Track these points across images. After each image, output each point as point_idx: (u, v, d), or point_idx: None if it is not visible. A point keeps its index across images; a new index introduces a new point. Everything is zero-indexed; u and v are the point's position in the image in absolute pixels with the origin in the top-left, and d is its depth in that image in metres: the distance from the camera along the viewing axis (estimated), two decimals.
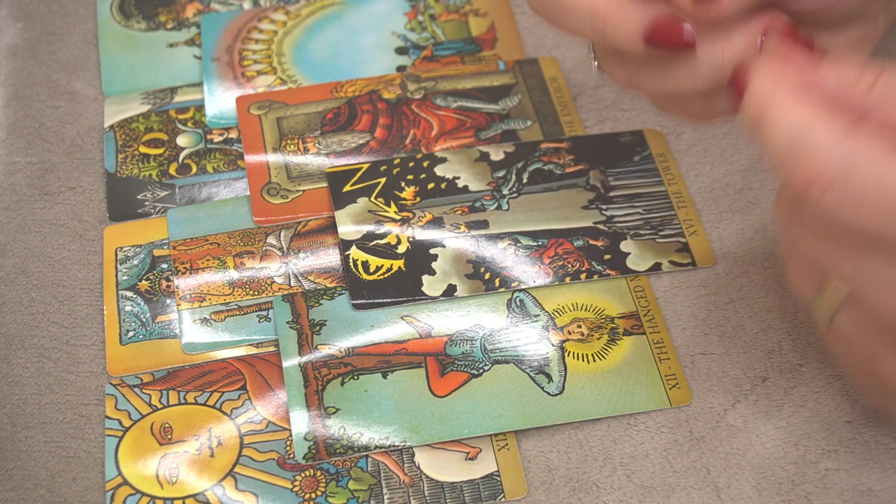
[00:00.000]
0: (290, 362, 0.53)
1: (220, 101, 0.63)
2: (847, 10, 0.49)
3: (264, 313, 0.55)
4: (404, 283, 0.55)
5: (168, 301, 0.56)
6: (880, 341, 0.43)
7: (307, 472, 0.50)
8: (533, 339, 0.54)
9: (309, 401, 0.52)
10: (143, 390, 0.53)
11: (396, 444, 0.50)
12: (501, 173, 0.59)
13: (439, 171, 0.59)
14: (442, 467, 0.50)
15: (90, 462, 0.51)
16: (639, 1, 0.45)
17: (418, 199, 0.58)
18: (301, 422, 0.51)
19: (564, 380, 0.53)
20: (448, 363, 0.53)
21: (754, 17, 0.46)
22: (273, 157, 0.60)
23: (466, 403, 0.52)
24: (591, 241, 0.57)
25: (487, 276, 0.55)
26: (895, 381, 0.44)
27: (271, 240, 0.57)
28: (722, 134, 0.61)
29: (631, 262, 0.56)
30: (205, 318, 0.55)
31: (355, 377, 0.52)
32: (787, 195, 0.43)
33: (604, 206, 0.58)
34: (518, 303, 0.55)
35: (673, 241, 0.57)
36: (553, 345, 0.54)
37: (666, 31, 0.45)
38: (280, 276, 0.56)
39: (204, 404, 0.52)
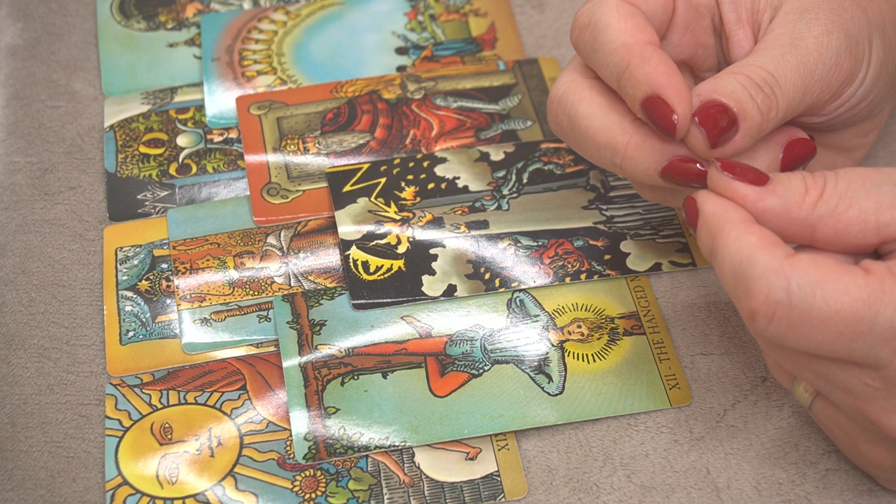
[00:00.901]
0: (290, 362, 0.53)
1: (220, 101, 0.63)
2: (859, 115, 0.50)
3: (264, 313, 0.55)
4: (404, 283, 0.55)
5: (168, 301, 0.56)
6: (855, 428, 0.45)
7: (307, 472, 0.50)
8: (533, 339, 0.54)
9: (309, 401, 0.52)
10: (143, 390, 0.53)
11: (396, 444, 0.50)
12: (501, 173, 0.59)
13: (439, 171, 0.59)
14: (442, 467, 0.50)
15: (90, 462, 0.51)
16: (656, 138, 0.47)
17: (418, 199, 0.58)
18: (301, 422, 0.51)
19: (564, 380, 0.52)
20: (448, 363, 0.53)
21: (773, 136, 0.48)
22: (273, 157, 0.60)
23: (466, 403, 0.52)
24: (591, 242, 0.57)
25: (487, 276, 0.55)
26: (877, 462, 0.46)
27: (271, 240, 0.57)
28: None
29: (631, 263, 0.56)
30: (205, 318, 0.55)
31: (355, 377, 0.52)
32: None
33: (604, 207, 0.58)
34: (518, 303, 0.55)
35: (673, 241, 0.57)
36: (553, 345, 0.54)
37: (681, 170, 0.47)
38: (280, 276, 0.56)
39: (204, 404, 0.52)
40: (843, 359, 0.42)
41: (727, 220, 0.43)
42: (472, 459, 0.51)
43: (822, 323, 0.41)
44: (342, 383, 0.52)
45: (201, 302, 0.55)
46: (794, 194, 0.44)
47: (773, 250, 0.42)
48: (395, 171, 0.59)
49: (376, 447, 0.50)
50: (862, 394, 0.43)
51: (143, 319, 0.55)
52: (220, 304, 0.55)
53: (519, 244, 0.56)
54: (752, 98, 0.46)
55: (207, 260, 0.57)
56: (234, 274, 0.56)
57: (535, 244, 0.56)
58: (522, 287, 0.55)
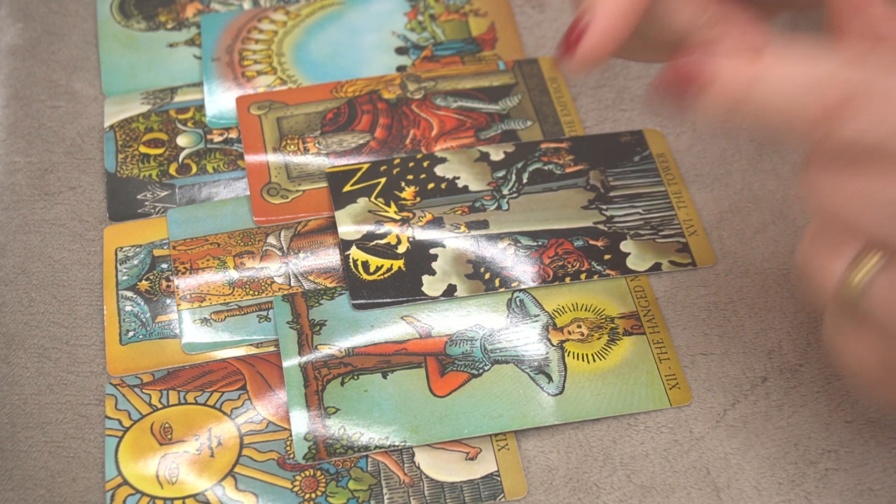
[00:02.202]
0: (290, 362, 0.53)
1: (220, 101, 0.63)
2: None
3: (264, 313, 0.55)
4: (404, 283, 0.55)
5: (168, 301, 0.56)
6: None
7: (307, 472, 0.50)
8: (533, 339, 0.54)
9: (309, 401, 0.52)
10: (143, 390, 0.53)
11: (396, 444, 0.50)
12: (501, 173, 0.59)
13: (439, 171, 0.59)
14: (442, 467, 0.50)
15: (90, 462, 0.51)
16: None
17: (418, 199, 0.58)
18: (301, 422, 0.51)
19: (564, 380, 0.53)
20: (448, 363, 0.53)
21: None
22: (273, 157, 0.60)
23: (466, 403, 0.52)
24: (591, 241, 0.57)
25: (487, 276, 0.55)
26: None
27: (271, 240, 0.57)
28: (722, 134, 0.61)
29: (631, 262, 0.56)
30: (205, 318, 0.55)
31: (355, 377, 0.52)
32: (810, 154, 0.42)
33: (604, 206, 0.58)
34: (518, 303, 0.55)
35: (673, 241, 0.57)
36: (553, 345, 0.54)
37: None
38: (280, 276, 0.56)
39: (204, 404, 0.52)
40: None
41: (756, 59, 0.41)
42: (472, 459, 0.51)
43: None
44: (342, 383, 0.52)
45: (201, 302, 0.55)
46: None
47: (829, 55, 0.40)
48: (395, 171, 0.59)
49: (376, 447, 0.50)
50: None
51: (143, 319, 0.55)
52: (220, 304, 0.55)
53: (519, 244, 0.56)
54: None
55: (207, 260, 0.57)
56: (234, 274, 0.56)
57: (535, 244, 0.56)
58: (522, 287, 0.55)
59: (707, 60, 0.43)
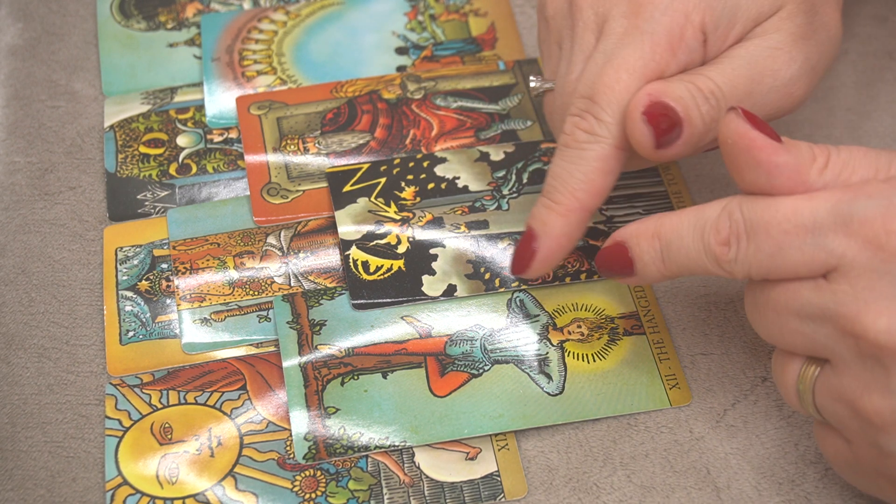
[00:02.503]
0: (290, 362, 0.53)
1: (220, 101, 0.63)
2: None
3: (264, 313, 0.55)
4: (404, 283, 0.55)
5: (168, 301, 0.56)
6: (861, 387, 0.43)
7: (307, 472, 0.50)
8: (533, 339, 0.54)
9: (309, 401, 0.52)
10: (143, 390, 0.53)
11: (396, 444, 0.50)
12: (501, 173, 0.59)
13: (439, 171, 0.59)
14: (442, 467, 0.50)
15: (90, 462, 0.51)
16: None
17: (418, 199, 0.58)
18: (301, 422, 0.51)
19: (564, 380, 0.52)
20: (448, 363, 0.53)
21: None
22: (273, 157, 0.60)
23: (466, 403, 0.52)
24: (591, 241, 0.57)
25: (487, 276, 0.55)
26: None
27: (271, 240, 0.57)
28: None
29: None
30: (205, 318, 0.55)
31: (355, 377, 0.52)
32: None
33: (604, 206, 0.58)
34: (518, 303, 0.55)
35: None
36: (553, 345, 0.54)
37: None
38: (280, 276, 0.56)
39: (204, 404, 0.52)
40: (803, 268, 0.43)
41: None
42: (472, 459, 0.51)
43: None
44: (342, 383, 0.52)
45: (201, 302, 0.55)
46: (804, 157, 0.44)
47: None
48: (395, 171, 0.59)
49: (376, 447, 0.50)
50: (839, 355, 0.43)
51: (143, 319, 0.55)
52: (220, 304, 0.55)
53: None
54: (698, 107, 0.47)
55: (207, 260, 0.57)
56: (234, 274, 0.56)
57: None
58: (522, 287, 0.55)
59: (621, 247, 0.48)
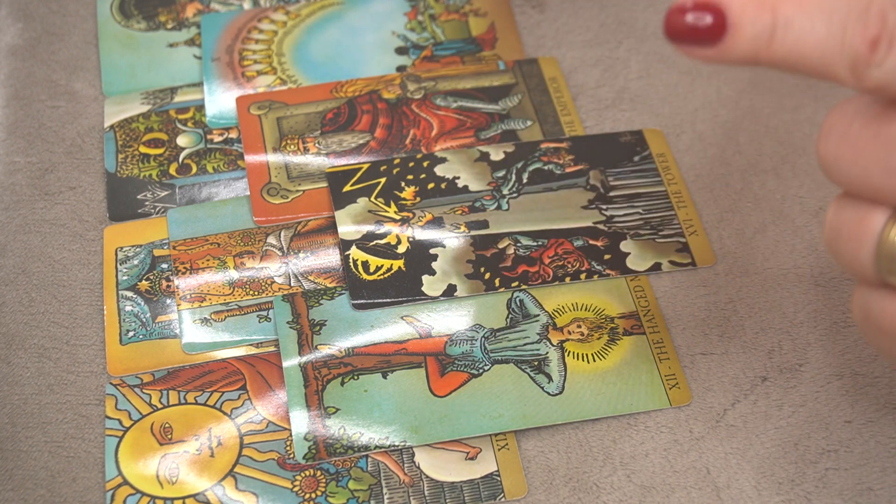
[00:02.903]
0: (290, 362, 0.53)
1: (220, 101, 0.63)
2: None
3: (264, 313, 0.55)
4: (404, 283, 0.55)
5: (168, 301, 0.56)
6: None
7: (307, 472, 0.50)
8: (533, 339, 0.54)
9: (309, 401, 0.52)
10: (143, 390, 0.53)
11: (396, 444, 0.50)
12: (501, 173, 0.59)
13: (439, 171, 0.59)
14: (442, 467, 0.50)
15: (90, 462, 0.51)
16: None
17: (418, 199, 0.58)
18: (301, 422, 0.51)
19: (564, 380, 0.53)
20: (448, 363, 0.53)
21: None
22: (273, 157, 0.60)
23: (466, 403, 0.52)
24: (591, 241, 0.57)
25: (487, 276, 0.55)
26: None
27: (271, 240, 0.57)
28: (722, 134, 0.61)
29: (631, 262, 0.56)
30: (205, 318, 0.55)
31: (355, 377, 0.52)
32: (829, 121, 0.41)
33: (604, 206, 0.58)
34: (518, 303, 0.55)
35: (673, 241, 0.57)
36: (553, 345, 0.54)
37: None
38: (280, 276, 0.56)
39: (204, 404, 0.52)
40: None
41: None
42: (472, 459, 0.51)
43: None
44: (342, 383, 0.52)
45: (201, 302, 0.55)
46: None
47: None
48: (395, 171, 0.59)
49: (376, 447, 0.50)
50: None
51: (144, 319, 0.55)
52: (220, 304, 0.55)
53: (519, 244, 0.56)
54: None
55: (207, 260, 0.57)
56: (234, 274, 0.56)
57: (535, 244, 0.56)
58: (522, 287, 0.55)
59: (724, 3, 0.40)
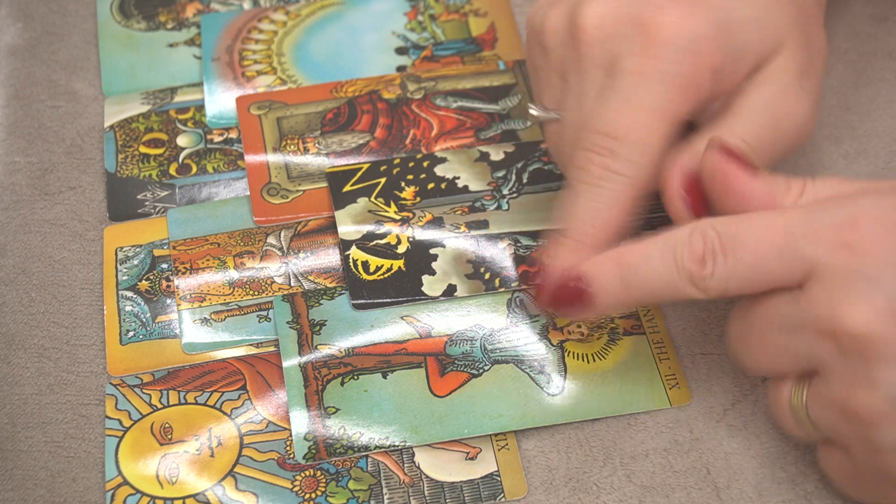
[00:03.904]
0: (290, 362, 0.53)
1: (220, 101, 0.63)
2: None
3: (264, 313, 0.55)
4: (404, 283, 0.55)
5: (168, 301, 0.56)
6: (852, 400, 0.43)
7: (307, 472, 0.50)
8: (533, 339, 0.54)
9: (309, 401, 0.52)
10: (144, 390, 0.53)
11: (396, 444, 0.50)
12: (501, 173, 0.59)
13: (439, 171, 0.59)
14: (442, 467, 0.50)
15: (90, 462, 0.51)
16: None
17: (418, 199, 0.58)
18: (301, 422, 0.51)
19: (564, 380, 0.52)
20: (448, 363, 0.53)
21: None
22: (273, 157, 0.60)
23: (466, 403, 0.52)
24: None
25: (487, 276, 0.55)
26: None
27: (271, 240, 0.57)
28: None
29: None
30: (205, 318, 0.55)
31: (355, 377, 0.52)
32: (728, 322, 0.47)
33: None
34: (518, 303, 0.55)
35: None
36: (553, 345, 0.54)
37: None
38: (280, 276, 0.56)
39: (204, 404, 0.52)
40: (780, 278, 0.44)
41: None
42: (472, 459, 0.51)
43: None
44: (342, 383, 0.52)
45: (201, 302, 0.55)
46: (778, 186, 0.46)
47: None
48: (395, 171, 0.59)
49: (376, 447, 0.50)
50: (824, 360, 0.43)
51: (143, 319, 0.55)
52: (220, 304, 0.55)
53: (519, 244, 0.56)
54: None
55: (207, 260, 0.57)
56: (234, 274, 0.56)
57: (535, 244, 0.56)
58: (522, 287, 0.55)
59: (585, 274, 0.47)
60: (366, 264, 0.56)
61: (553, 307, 0.48)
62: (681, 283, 0.45)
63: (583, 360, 0.53)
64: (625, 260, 0.46)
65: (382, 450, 0.50)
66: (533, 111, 0.53)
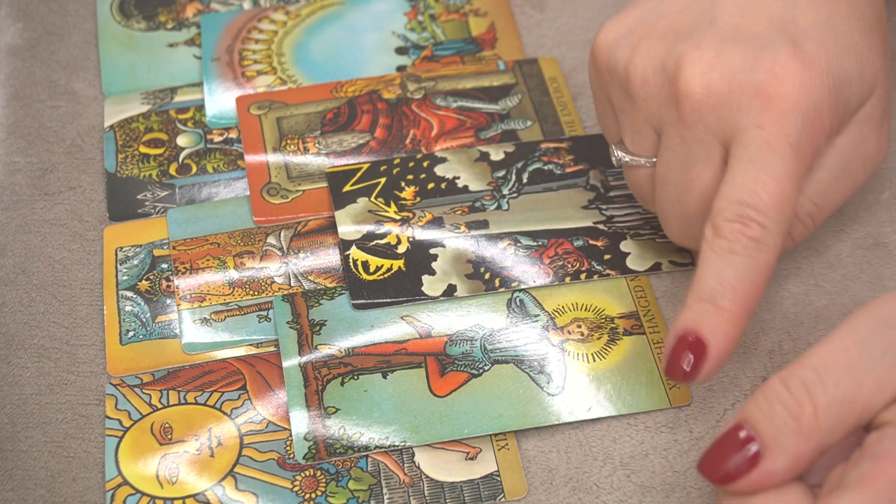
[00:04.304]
0: (290, 362, 0.53)
1: (220, 101, 0.63)
2: None
3: (264, 313, 0.55)
4: (404, 283, 0.55)
5: (168, 301, 0.56)
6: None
7: (307, 472, 0.50)
8: (533, 339, 0.54)
9: (309, 401, 0.52)
10: (143, 390, 0.53)
11: (396, 443, 0.50)
12: (501, 173, 0.59)
13: (439, 171, 0.59)
14: (442, 467, 0.50)
15: (90, 462, 0.51)
16: None
17: (418, 199, 0.58)
18: (301, 422, 0.51)
19: (564, 380, 0.52)
20: (448, 363, 0.53)
21: None
22: (273, 157, 0.60)
23: (466, 403, 0.52)
24: (591, 241, 0.57)
25: (487, 276, 0.55)
26: None
27: (271, 240, 0.57)
28: None
29: (631, 262, 0.56)
30: (205, 318, 0.55)
31: (355, 377, 0.52)
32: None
33: (604, 206, 0.58)
34: (518, 303, 0.55)
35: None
36: (553, 345, 0.54)
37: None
38: (280, 276, 0.56)
39: (204, 404, 0.52)
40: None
41: None
42: (472, 459, 0.51)
43: None
44: (342, 383, 0.52)
45: (201, 302, 0.55)
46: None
47: None
48: (395, 171, 0.59)
49: (376, 447, 0.50)
50: None
51: (143, 319, 0.55)
52: (220, 304, 0.55)
53: (519, 244, 0.56)
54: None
55: (207, 260, 0.57)
56: (234, 274, 0.56)
57: (535, 244, 0.56)
58: (522, 287, 0.55)
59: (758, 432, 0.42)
60: (366, 264, 0.56)
61: (724, 477, 0.42)
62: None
63: (583, 360, 0.53)
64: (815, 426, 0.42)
65: (382, 450, 0.50)
66: (620, 155, 0.52)
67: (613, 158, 0.53)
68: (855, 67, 0.48)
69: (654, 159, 0.51)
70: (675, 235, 0.52)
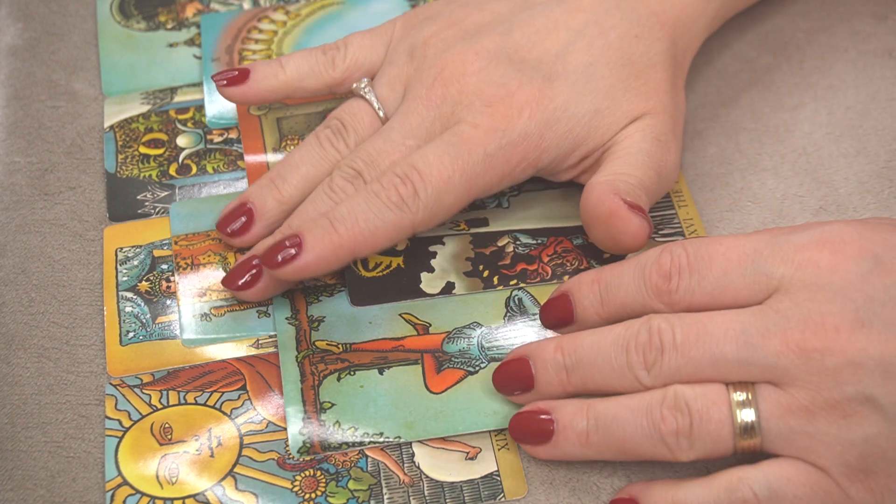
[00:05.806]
0: (288, 357, 0.53)
1: (220, 101, 0.63)
2: None
3: (264, 309, 0.55)
4: (403, 280, 0.55)
5: (168, 302, 0.56)
6: None
7: (307, 472, 0.50)
8: (531, 338, 0.53)
9: (305, 396, 0.52)
10: (143, 390, 0.53)
11: (391, 439, 0.50)
12: None
13: None
14: (442, 467, 0.50)
15: (90, 462, 0.51)
16: None
17: None
18: (296, 416, 0.51)
19: None
20: (445, 360, 0.53)
21: None
22: (273, 158, 0.60)
23: (462, 400, 0.52)
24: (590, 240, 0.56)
25: (486, 273, 0.55)
26: None
27: None
28: (722, 133, 0.61)
29: None
30: (205, 312, 0.55)
31: (352, 373, 0.52)
32: None
33: None
34: (516, 301, 0.55)
35: (672, 241, 0.57)
36: None
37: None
38: None
39: (204, 404, 0.52)
40: (745, 296, 0.47)
41: None
42: (472, 459, 0.50)
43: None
44: (338, 379, 0.52)
45: (201, 297, 0.55)
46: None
47: None
48: None
49: (371, 442, 0.50)
50: None
51: (143, 320, 0.55)
52: (221, 299, 0.55)
53: (518, 242, 0.56)
54: (643, 198, 0.54)
55: (209, 255, 0.57)
56: None
57: (535, 242, 0.56)
58: (521, 285, 0.55)
59: (564, 296, 0.51)
60: (365, 261, 0.56)
61: (542, 320, 0.52)
62: (648, 297, 0.48)
63: None
64: (601, 277, 0.50)
65: (377, 445, 0.50)
66: (366, 91, 0.57)
67: (354, 87, 0.57)
68: (592, 105, 0.54)
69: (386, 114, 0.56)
70: None
